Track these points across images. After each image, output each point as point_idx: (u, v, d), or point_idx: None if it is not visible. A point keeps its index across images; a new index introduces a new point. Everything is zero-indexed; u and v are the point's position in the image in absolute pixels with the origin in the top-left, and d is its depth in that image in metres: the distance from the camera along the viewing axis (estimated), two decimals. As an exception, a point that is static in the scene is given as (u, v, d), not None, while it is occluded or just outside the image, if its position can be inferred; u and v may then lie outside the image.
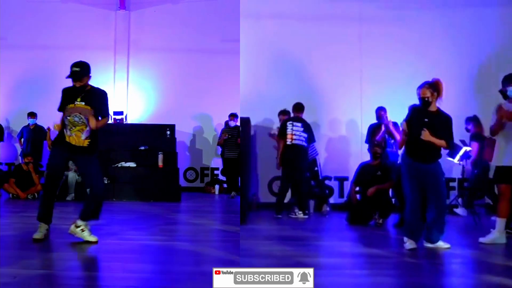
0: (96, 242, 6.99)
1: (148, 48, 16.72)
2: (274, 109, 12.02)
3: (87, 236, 7.05)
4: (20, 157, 14.76)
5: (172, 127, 15.08)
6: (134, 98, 16.60)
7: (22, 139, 14.66)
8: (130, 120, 16.18)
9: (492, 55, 12.45)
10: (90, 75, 7.24)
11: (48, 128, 13.66)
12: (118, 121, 15.49)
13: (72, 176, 13.03)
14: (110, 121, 15.52)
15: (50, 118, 14.33)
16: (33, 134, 14.53)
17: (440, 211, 7.20)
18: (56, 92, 15.80)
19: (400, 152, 8.92)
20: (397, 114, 10.11)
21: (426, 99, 7.06)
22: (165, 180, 13.65)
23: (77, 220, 7.08)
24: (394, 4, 12.57)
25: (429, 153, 7.12)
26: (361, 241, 8.04)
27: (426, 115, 7.11)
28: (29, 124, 14.57)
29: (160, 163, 13.82)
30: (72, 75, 7.08)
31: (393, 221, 9.69)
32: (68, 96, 7.15)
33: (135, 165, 13.95)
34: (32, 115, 14.48)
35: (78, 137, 7.04)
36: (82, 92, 7.10)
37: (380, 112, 11.17)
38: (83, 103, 7.06)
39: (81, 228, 7.05)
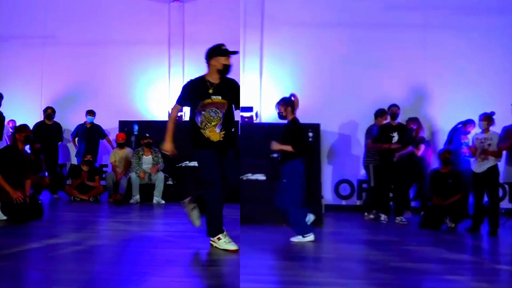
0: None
1: (203, 41, 15.73)
2: (340, 114, 12.64)
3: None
4: (76, 157, 14.07)
5: (235, 124, 14.35)
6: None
7: (77, 138, 13.95)
8: (187, 117, 15.47)
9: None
10: None
11: None
12: (178, 117, 14.75)
13: (135, 178, 12.37)
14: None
15: (104, 116, 13.93)
16: (90, 133, 13.85)
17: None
18: (108, 89, 15.44)
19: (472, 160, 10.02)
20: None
21: (280, 113, 8.23)
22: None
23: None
24: (459, 10, 12.68)
25: (281, 156, 8.24)
26: (442, 246, 7.95)
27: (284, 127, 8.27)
28: (85, 122, 13.89)
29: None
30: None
31: (465, 225, 9.68)
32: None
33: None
34: (90, 113, 13.84)
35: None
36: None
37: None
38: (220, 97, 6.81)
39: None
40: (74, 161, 14.33)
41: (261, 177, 10.78)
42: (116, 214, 10.47)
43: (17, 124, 11.90)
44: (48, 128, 13.42)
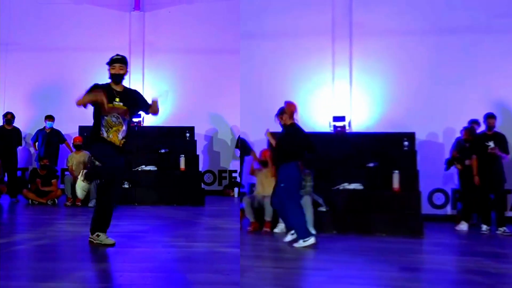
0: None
1: (163, 49, 16.54)
2: (433, 123, 12.57)
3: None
4: (35, 162, 14.44)
5: (191, 129, 14.93)
6: (149, 100, 16.27)
7: (37, 143, 14.32)
8: (146, 123, 15.86)
9: None
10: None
11: None
12: (135, 123, 15.18)
13: (92, 180, 12.71)
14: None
15: (65, 121, 14.29)
16: (49, 138, 14.19)
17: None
18: (70, 94, 15.79)
19: None
20: None
21: (281, 123, 8.56)
22: (188, 184, 13.33)
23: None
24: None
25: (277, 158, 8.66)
26: None
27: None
28: (45, 127, 14.24)
29: (182, 166, 13.53)
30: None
31: None
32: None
33: (156, 168, 13.72)
34: (49, 118, 14.17)
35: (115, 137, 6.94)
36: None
37: None
38: (121, 104, 7.00)
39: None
40: (35, 165, 14.68)
41: (358, 186, 10.57)
42: (70, 217, 10.90)
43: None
44: (8, 133, 13.77)
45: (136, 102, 7.21)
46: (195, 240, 8.29)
